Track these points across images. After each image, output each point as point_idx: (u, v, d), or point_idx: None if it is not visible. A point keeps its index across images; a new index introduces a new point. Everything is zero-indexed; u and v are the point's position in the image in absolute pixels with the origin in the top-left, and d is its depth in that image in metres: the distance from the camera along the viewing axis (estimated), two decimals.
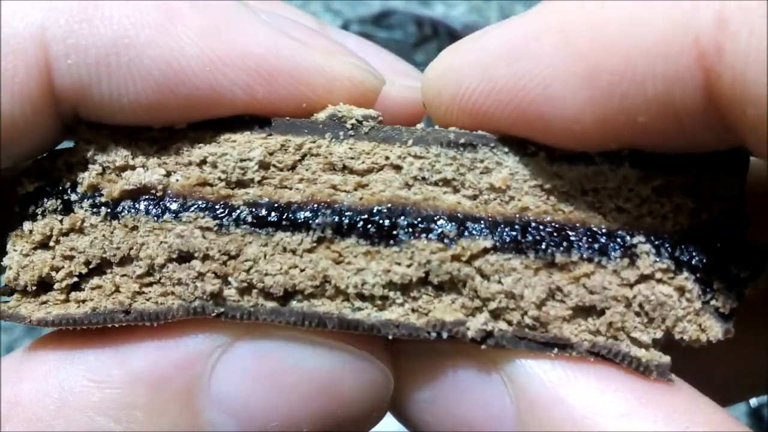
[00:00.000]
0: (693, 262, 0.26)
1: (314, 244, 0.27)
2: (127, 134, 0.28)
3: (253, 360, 0.26)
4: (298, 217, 0.27)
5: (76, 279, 0.28)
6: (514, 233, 0.26)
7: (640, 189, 0.26)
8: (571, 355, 0.26)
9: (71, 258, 0.28)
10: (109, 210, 0.28)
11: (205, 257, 0.27)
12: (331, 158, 0.28)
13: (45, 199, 0.28)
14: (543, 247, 0.26)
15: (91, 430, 0.25)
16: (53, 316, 0.27)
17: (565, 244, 0.26)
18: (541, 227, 0.27)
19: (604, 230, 0.26)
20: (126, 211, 0.28)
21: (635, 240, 0.26)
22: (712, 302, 0.26)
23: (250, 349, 0.27)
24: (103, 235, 0.28)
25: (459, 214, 0.27)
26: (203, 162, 0.28)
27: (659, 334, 0.26)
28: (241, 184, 0.28)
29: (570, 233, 0.26)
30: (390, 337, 0.27)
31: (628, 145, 0.25)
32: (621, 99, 0.22)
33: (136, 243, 0.27)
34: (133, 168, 0.28)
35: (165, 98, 0.25)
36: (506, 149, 0.27)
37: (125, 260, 0.28)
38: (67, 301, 0.28)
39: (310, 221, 0.27)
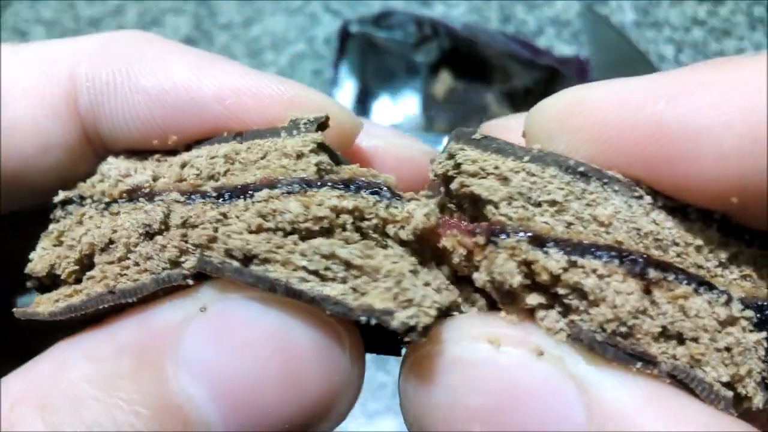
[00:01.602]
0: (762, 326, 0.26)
1: (285, 195, 0.28)
2: (140, 158, 0.34)
3: (216, 322, 0.27)
4: (258, 188, 0.29)
5: (76, 267, 0.31)
6: (596, 247, 0.26)
7: (718, 252, 0.27)
8: (652, 372, 0.25)
9: (72, 247, 0.31)
10: (105, 205, 0.32)
11: (166, 227, 0.29)
12: (284, 149, 0.30)
13: (69, 206, 0.33)
14: (631, 259, 0.26)
15: (80, 398, 0.26)
16: (60, 308, 0.30)
17: (658, 265, 0.26)
18: (632, 253, 0.26)
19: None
20: (116, 203, 0.31)
21: (721, 288, 0.26)
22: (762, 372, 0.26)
23: (214, 311, 0.27)
24: (95, 225, 0.31)
25: (546, 236, 0.27)
26: (183, 165, 0.32)
27: (726, 378, 0.26)
28: (211, 177, 0.31)
29: (665, 262, 0.26)
30: (328, 313, 0.26)
31: (737, 206, 0.26)
32: None
33: (117, 225, 0.30)
34: (134, 174, 0.32)
35: (155, 109, 0.32)
36: (616, 188, 0.27)
37: (109, 246, 0.30)
38: (71, 295, 0.31)
39: (275, 186, 0.29)
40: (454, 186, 0.30)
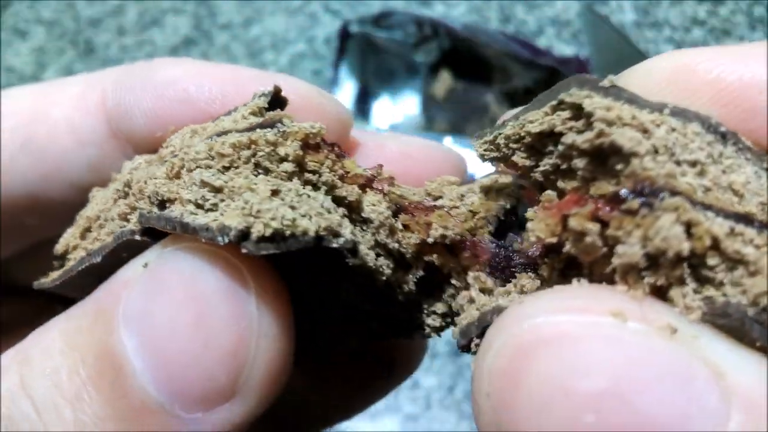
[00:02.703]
0: None
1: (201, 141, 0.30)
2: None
3: (149, 275, 0.28)
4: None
5: (79, 241, 0.34)
6: (746, 216, 0.24)
7: None
8: None
9: (78, 225, 0.35)
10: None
11: (128, 190, 0.31)
12: (235, 118, 0.31)
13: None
14: None
15: (50, 351, 0.28)
16: (57, 275, 0.33)
17: None
18: None
19: None
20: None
21: None
22: None
23: (151, 265, 0.28)
24: (95, 202, 0.34)
25: (695, 198, 0.24)
26: (167, 146, 0.33)
27: None
28: (181, 149, 0.32)
29: None
30: (203, 241, 0.26)
31: None
32: None
33: (105, 196, 0.33)
34: (135, 162, 0.35)
35: (157, 103, 0.37)
36: (748, 156, 0.25)
37: (99, 217, 0.33)
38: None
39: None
40: (580, 140, 0.26)
